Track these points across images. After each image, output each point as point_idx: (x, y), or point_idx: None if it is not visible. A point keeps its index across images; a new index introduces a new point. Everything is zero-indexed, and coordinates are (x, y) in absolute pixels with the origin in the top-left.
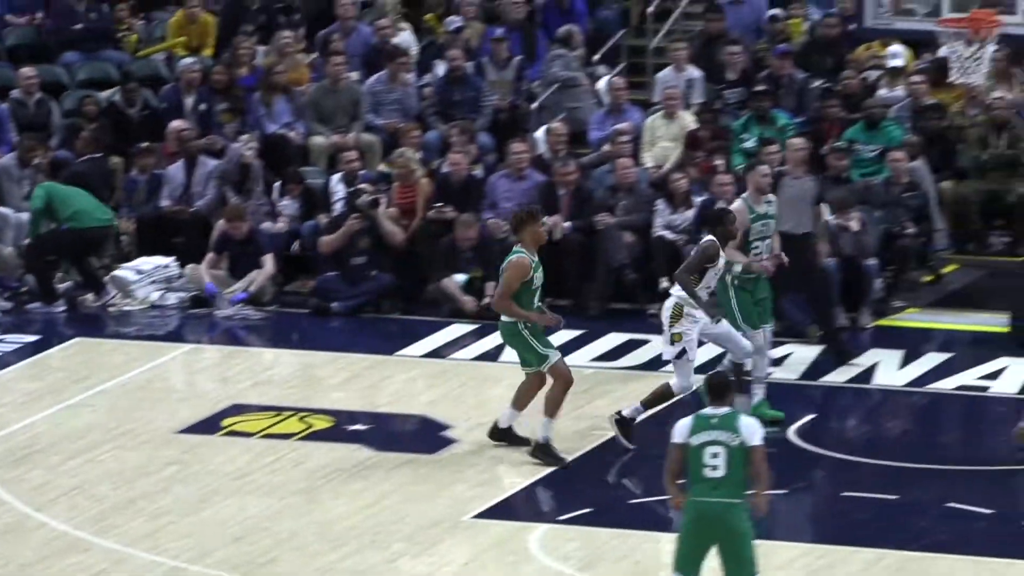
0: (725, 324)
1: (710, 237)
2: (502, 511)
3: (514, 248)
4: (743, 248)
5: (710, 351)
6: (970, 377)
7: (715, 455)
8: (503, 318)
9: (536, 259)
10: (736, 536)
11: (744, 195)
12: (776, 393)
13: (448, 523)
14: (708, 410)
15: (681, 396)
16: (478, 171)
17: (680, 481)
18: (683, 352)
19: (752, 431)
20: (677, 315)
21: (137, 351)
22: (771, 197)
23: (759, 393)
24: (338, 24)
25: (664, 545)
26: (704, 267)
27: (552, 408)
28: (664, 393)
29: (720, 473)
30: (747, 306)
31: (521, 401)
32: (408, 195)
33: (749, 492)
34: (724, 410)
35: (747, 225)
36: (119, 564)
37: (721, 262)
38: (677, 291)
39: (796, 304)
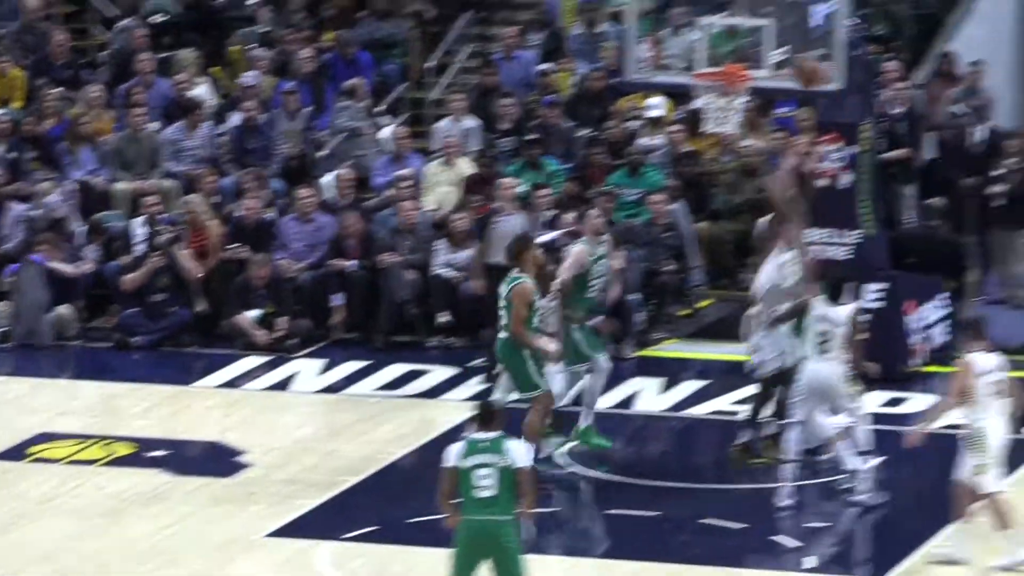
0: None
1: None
2: (293, 530)
3: (512, 276)
4: (581, 287)
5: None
6: (724, 403)
7: (485, 476)
8: (501, 334)
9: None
10: (506, 552)
11: (584, 238)
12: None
13: (243, 542)
14: (478, 434)
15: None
16: (270, 214)
17: (456, 500)
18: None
19: (519, 453)
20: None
21: None
22: (604, 237)
23: (589, 419)
24: (139, 78)
25: (442, 561)
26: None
27: (533, 435)
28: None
29: (490, 493)
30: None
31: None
32: (199, 239)
33: (518, 510)
34: (493, 434)
35: (588, 266)
36: None
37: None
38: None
39: None
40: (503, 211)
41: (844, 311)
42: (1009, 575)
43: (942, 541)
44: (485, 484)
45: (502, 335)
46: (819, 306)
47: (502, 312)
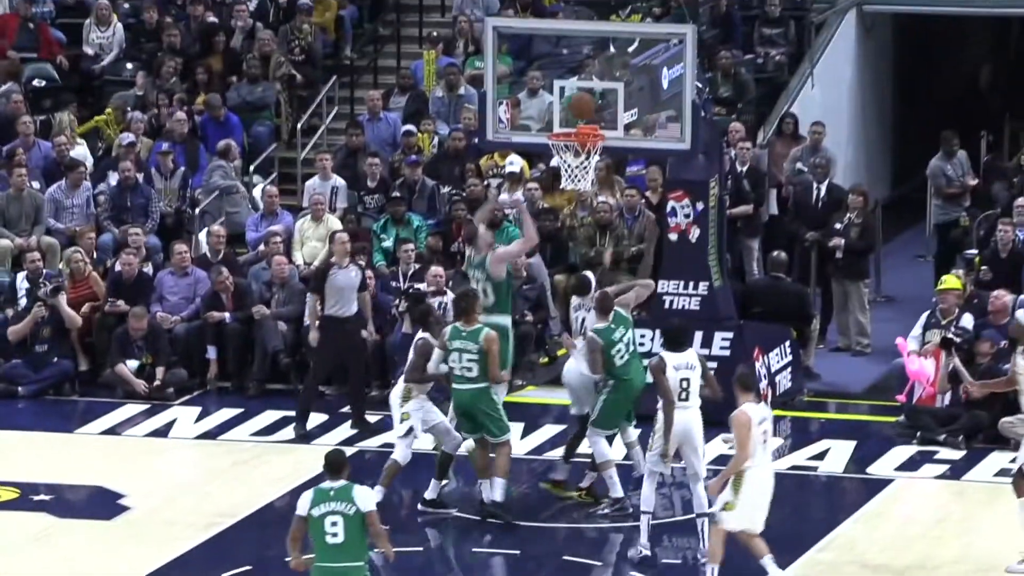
0: (442, 418)
1: (423, 335)
2: (173, 569)
3: (478, 326)
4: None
5: None
6: (582, 446)
7: (334, 524)
8: (468, 386)
9: None
10: None
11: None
12: (420, 462)
13: None
14: (326, 484)
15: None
16: (147, 269)
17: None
18: (410, 430)
19: (365, 498)
20: (406, 397)
21: None
22: None
23: None
24: (20, 140)
25: None
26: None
27: (504, 474)
28: (394, 468)
29: (340, 540)
30: None
31: (489, 470)
32: (81, 289)
33: (376, 551)
34: (340, 483)
35: None
36: None
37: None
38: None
39: None
40: (338, 264)
41: (694, 355)
42: None
43: None
44: (335, 531)
45: (472, 386)
46: (674, 356)
47: (470, 364)
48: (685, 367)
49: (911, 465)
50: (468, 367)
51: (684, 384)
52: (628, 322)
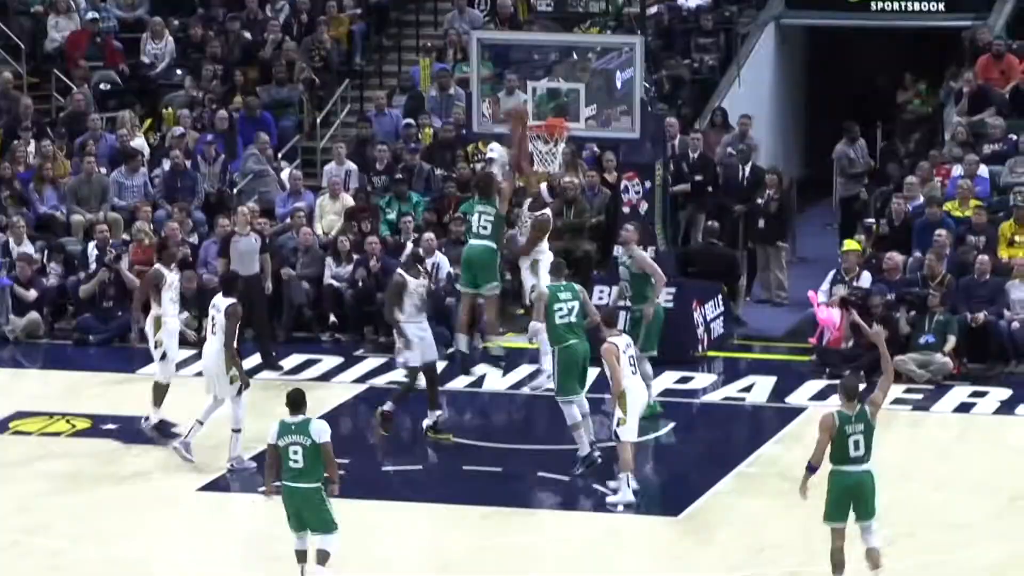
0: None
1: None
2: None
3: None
4: None
5: None
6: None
7: (295, 452)
8: (482, 243)
9: None
10: (312, 506)
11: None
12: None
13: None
14: (289, 418)
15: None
16: (193, 238)
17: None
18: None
19: (320, 431)
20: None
21: None
22: None
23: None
24: (90, 133)
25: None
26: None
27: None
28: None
29: (300, 466)
30: None
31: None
32: (145, 255)
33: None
34: (300, 418)
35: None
36: None
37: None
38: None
39: None
40: (241, 233)
41: (227, 300)
42: None
43: None
44: (296, 459)
45: (484, 243)
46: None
47: (486, 223)
48: (215, 307)
49: (821, 396)
50: (484, 226)
51: (213, 320)
52: (575, 292)
